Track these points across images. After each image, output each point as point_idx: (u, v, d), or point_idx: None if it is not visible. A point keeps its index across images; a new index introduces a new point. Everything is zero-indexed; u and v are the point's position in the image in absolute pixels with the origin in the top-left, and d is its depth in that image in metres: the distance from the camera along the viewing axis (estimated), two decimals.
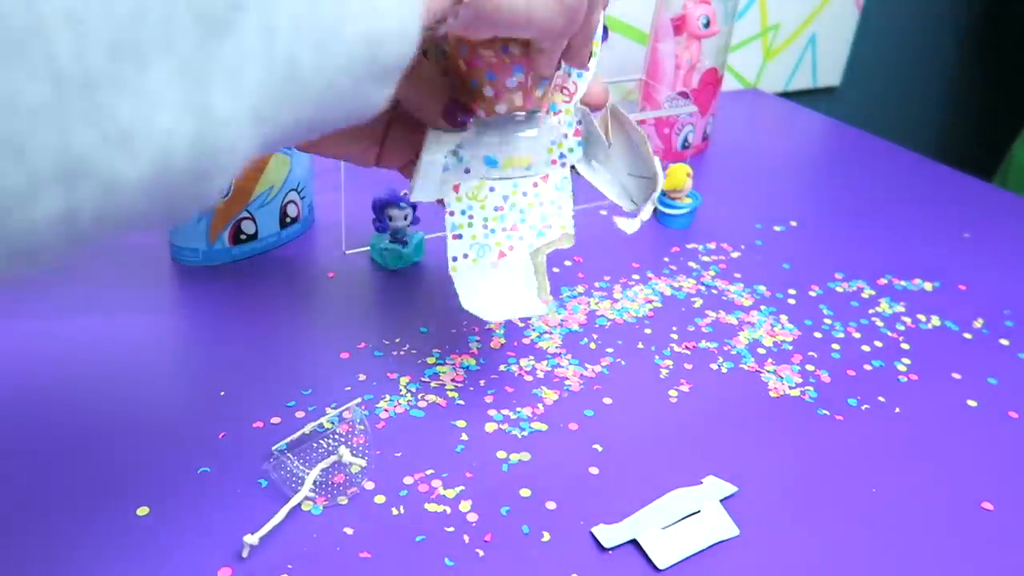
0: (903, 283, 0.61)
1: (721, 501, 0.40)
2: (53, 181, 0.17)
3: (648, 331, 0.53)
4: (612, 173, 0.44)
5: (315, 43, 0.21)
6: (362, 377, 0.47)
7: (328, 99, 0.23)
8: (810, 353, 0.52)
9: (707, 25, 0.75)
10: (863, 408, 0.47)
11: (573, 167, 0.44)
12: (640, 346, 0.52)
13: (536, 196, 0.43)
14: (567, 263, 0.60)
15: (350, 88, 0.23)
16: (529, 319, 0.53)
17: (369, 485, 0.39)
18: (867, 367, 0.51)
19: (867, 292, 0.60)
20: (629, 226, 0.43)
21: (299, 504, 0.38)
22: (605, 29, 0.42)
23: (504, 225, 0.43)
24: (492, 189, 0.42)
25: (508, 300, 0.42)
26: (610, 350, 0.51)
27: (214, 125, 0.19)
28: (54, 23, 0.16)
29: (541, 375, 0.48)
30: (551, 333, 0.52)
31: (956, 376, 0.51)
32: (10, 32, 0.15)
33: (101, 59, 0.17)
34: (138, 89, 0.17)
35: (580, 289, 0.57)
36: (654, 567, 0.36)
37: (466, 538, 0.37)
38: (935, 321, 0.57)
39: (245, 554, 0.35)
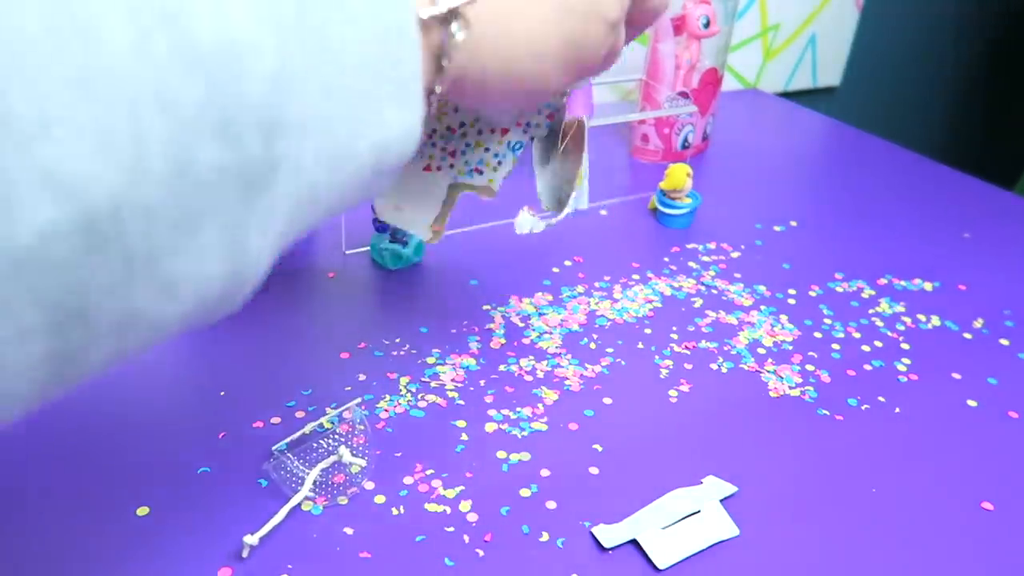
0: (903, 283, 0.61)
1: (721, 501, 0.40)
2: (110, 334, 0.19)
3: (648, 331, 0.53)
4: (556, 176, 0.45)
5: (331, 164, 0.22)
6: (362, 377, 0.47)
7: (339, 202, 0.24)
8: (810, 353, 0.52)
9: (707, 25, 0.75)
10: (863, 408, 0.47)
11: (532, 141, 0.44)
12: (640, 346, 0.52)
13: (487, 139, 0.44)
14: (567, 263, 0.60)
15: (357, 190, 0.24)
16: (529, 318, 0.53)
17: (369, 485, 0.39)
18: (867, 367, 0.51)
19: (867, 292, 0.60)
20: (523, 225, 0.42)
21: (299, 504, 0.38)
22: None
23: (445, 145, 0.44)
24: (456, 110, 0.43)
25: (407, 211, 0.45)
26: (610, 350, 0.51)
27: (246, 261, 0.21)
28: (132, 221, 0.17)
29: (541, 375, 0.48)
30: (551, 333, 0.52)
31: (956, 376, 0.51)
32: (95, 235, 0.17)
33: (165, 236, 0.18)
34: (189, 250, 0.19)
35: (580, 289, 0.57)
36: (654, 567, 0.36)
37: (466, 538, 0.37)
38: (935, 321, 0.57)
39: (245, 554, 0.35)
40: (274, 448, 0.40)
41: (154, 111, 0.17)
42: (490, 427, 0.44)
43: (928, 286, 0.61)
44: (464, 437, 0.43)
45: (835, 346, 0.53)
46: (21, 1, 0.15)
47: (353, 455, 0.39)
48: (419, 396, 0.45)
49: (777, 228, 0.69)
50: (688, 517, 0.38)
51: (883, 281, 0.61)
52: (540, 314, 0.54)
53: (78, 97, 0.16)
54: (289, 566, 0.35)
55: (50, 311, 0.17)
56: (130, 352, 0.20)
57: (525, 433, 0.43)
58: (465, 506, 0.38)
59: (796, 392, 0.48)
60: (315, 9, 0.21)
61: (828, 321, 0.56)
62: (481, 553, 0.36)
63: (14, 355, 0.17)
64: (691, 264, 0.62)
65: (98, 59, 0.16)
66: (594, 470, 0.41)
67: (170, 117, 0.17)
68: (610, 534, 0.37)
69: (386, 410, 0.44)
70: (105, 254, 0.17)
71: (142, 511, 0.37)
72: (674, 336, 0.53)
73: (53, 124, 0.16)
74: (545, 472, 0.41)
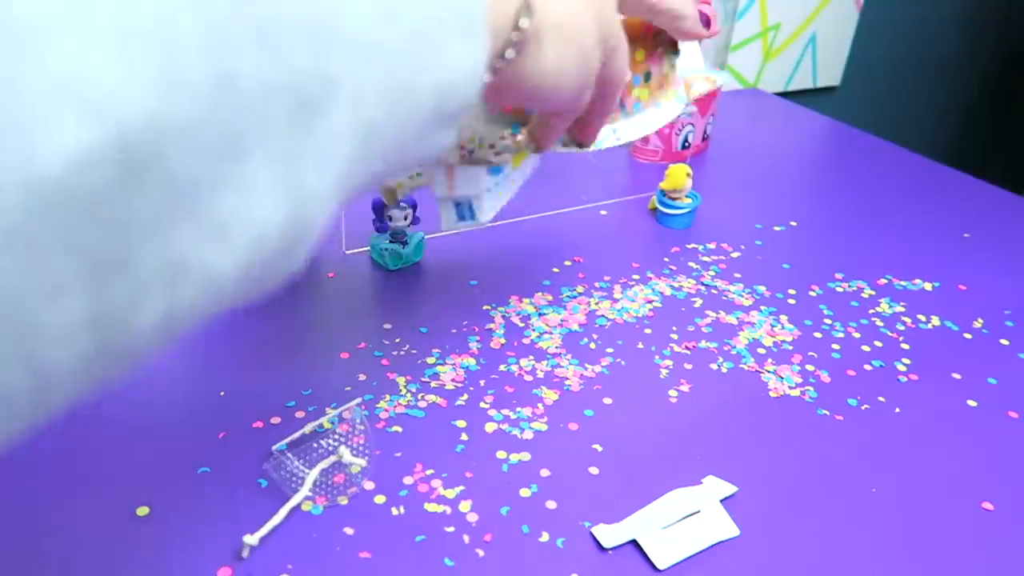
0: (903, 283, 0.61)
1: (721, 501, 0.40)
2: (157, 290, 0.16)
3: (648, 331, 0.53)
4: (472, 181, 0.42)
5: (390, 102, 0.21)
6: (362, 377, 0.47)
7: (397, 150, 0.22)
8: (810, 353, 0.52)
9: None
10: (863, 408, 0.47)
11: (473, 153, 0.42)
12: (640, 346, 0.52)
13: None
14: (567, 263, 0.60)
15: (417, 137, 0.23)
16: (529, 318, 0.53)
17: (369, 485, 0.39)
18: (867, 367, 0.51)
19: (867, 292, 0.60)
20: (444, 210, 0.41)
21: (299, 504, 0.38)
22: None
23: None
24: None
25: None
26: (610, 350, 0.51)
27: (305, 203, 0.19)
28: (171, 144, 0.15)
29: (541, 375, 0.48)
30: (551, 333, 0.52)
31: (956, 376, 0.51)
32: (131, 161, 0.15)
33: (209, 164, 0.16)
34: (236, 182, 0.17)
35: (580, 289, 0.57)
36: (654, 567, 0.36)
37: (466, 538, 0.37)
38: (935, 321, 0.57)
39: (245, 554, 0.35)
40: (274, 448, 0.40)
41: (181, 8, 0.15)
42: (490, 427, 0.44)
43: (928, 286, 0.61)
44: (464, 437, 0.43)
45: (835, 346, 0.53)
46: None
47: (353, 455, 0.39)
48: (419, 396, 0.45)
49: (777, 228, 0.69)
50: (688, 517, 0.38)
51: (883, 281, 0.61)
52: (540, 314, 0.54)
53: None
54: (289, 566, 0.35)
55: (86, 258, 0.14)
56: (183, 317, 0.18)
57: (525, 433, 0.43)
58: (465, 506, 0.38)
59: (796, 392, 0.48)
60: None
61: (828, 321, 0.56)
62: (481, 553, 0.36)
63: (48, 316, 0.14)
64: (691, 264, 0.62)
65: None
66: (594, 470, 0.41)
67: (200, 16, 0.15)
68: (610, 534, 0.37)
69: (386, 410, 0.44)
70: (144, 184, 0.15)
71: (142, 511, 0.37)
72: (674, 336, 0.53)
73: (66, 26, 0.13)
74: (545, 472, 0.41)
